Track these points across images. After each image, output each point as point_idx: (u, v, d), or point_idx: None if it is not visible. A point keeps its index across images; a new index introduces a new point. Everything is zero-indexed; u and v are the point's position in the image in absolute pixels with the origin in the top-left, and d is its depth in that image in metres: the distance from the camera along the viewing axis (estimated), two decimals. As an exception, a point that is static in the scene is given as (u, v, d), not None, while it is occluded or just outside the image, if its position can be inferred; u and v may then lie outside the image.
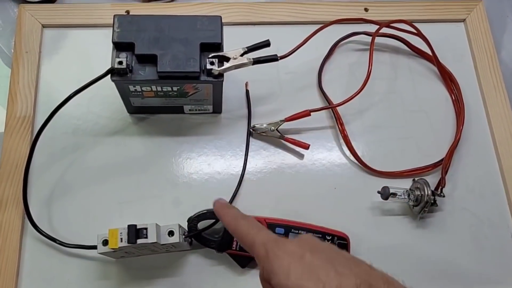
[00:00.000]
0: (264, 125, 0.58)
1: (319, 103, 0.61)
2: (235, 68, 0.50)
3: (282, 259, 0.35)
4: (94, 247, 0.46)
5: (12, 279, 0.50)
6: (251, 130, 0.58)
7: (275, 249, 0.36)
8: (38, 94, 0.58)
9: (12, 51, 0.61)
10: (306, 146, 0.57)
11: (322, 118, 0.60)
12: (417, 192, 0.54)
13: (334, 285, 0.32)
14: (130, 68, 0.47)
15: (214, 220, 0.51)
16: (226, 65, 0.49)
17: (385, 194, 0.54)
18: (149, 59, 0.48)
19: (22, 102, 0.57)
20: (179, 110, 0.57)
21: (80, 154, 0.56)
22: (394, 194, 0.54)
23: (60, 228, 0.53)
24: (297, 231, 0.51)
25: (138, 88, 0.50)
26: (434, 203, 0.53)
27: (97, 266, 0.51)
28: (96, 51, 0.60)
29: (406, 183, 0.56)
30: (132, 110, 0.57)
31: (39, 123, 0.52)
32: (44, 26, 0.61)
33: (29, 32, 0.60)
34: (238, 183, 0.55)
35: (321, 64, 0.62)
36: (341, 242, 0.51)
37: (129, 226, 0.45)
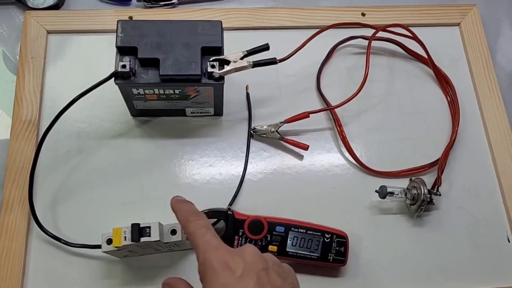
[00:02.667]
0: (264, 127, 0.59)
1: (318, 105, 0.62)
2: (235, 71, 0.51)
3: (216, 275, 0.36)
4: (99, 247, 0.47)
5: (18, 278, 0.51)
6: (251, 132, 0.59)
7: (212, 260, 0.37)
8: (43, 98, 0.59)
9: (17, 57, 0.62)
10: (305, 147, 0.58)
11: (321, 120, 0.61)
12: (414, 191, 0.55)
13: None
14: (133, 71, 0.49)
15: (215, 220, 0.52)
16: (227, 68, 0.50)
17: (383, 193, 0.55)
18: (151, 63, 0.49)
19: (27, 106, 0.58)
20: (181, 113, 0.58)
21: (84, 157, 0.57)
22: (392, 193, 0.55)
23: (65, 228, 0.54)
24: (296, 229, 0.52)
25: (141, 91, 0.51)
26: (431, 202, 0.54)
27: (102, 265, 0.52)
28: (100, 56, 0.62)
29: (403, 183, 0.57)
30: (135, 113, 0.58)
31: (44, 126, 0.53)
32: (49, 32, 0.63)
33: (34, 38, 0.62)
34: (239, 184, 0.57)
35: (319, 67, 0.64)
36: (340, 240, 0.52)
37: (132, 224, 0.45)
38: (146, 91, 0.52)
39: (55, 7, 0.65)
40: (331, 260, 0.52)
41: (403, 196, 0.55)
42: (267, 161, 0.59)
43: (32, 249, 0.53)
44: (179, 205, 0.44)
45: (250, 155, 0.58)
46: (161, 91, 0.52)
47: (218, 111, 0.59)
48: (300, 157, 0.59)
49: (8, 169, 0.55)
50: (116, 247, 0.45)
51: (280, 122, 0.59)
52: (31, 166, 0.52)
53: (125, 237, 0.45)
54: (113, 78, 0.49)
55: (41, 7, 0.65)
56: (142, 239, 0.45)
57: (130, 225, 0.45)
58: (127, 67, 0.48)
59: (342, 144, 0.60)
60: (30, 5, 0.65)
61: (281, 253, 0.51)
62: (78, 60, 0.62)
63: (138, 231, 0.45)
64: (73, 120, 0.58)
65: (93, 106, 0.59)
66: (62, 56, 0.62)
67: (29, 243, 0.53)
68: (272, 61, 0.53)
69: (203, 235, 0.39)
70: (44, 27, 0.63)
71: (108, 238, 0.46)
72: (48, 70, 0.61)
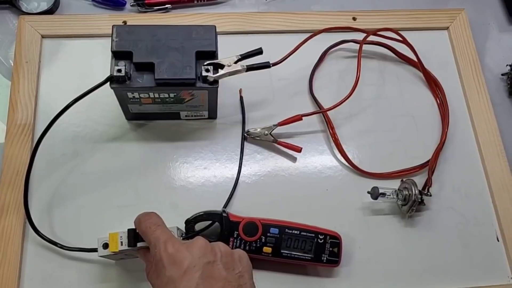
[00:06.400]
0: (258, 130, 0.60)
1: (310, 108, 0.63)
2: (229, 75, 0.52)
3: (164, 269, 0.38)
4: (95, 250, 0.47)
5: (14, 282, 0.51)
6: (245, 134, 0.60)
7: (162, 255, 0.39)
8: (38, 102, 0.60)
9: (10, 61, 0.62)
10: (298, 150, 0.59)
11: (314, 122, 0.62)
12: (405, 192, 0.56)
13: None
14: (129, 75, 0.49)
15: (210, 222, 0.53)
16: (221, 72, 0.51)
17: (375, 194, 0.56)
18: (146, 67, 0.49)
19: (22, 111, 0.58)
20: (175, 116, 0.59)
21: (79, 160, 0.57)
22: (383, 194, 0.56)
23: (61, 232, 0.54)
24: (290, 231, 0.52)
25: (136, 95, 0.52)
26: (422, 202, 0.55)
27: (97, 268, 0.53)
28: (94, 60, 0.62)
29: (394, 184, 0.58)
30: (130, 116, 0.59)
31: (39, 130, 0.53)
32: (43, 37, 0.63)
33: (29, 43, 0.62)
34: (234, 186, 0.57)
35: (312, 71, 0.65)
36: (334, 241, 0.53)
37: (129, 230, 0.45)
38: (141, 95, 0.52)
39: (49, 11, 0.65)
40: (324, 261, 0.53)
41: (395, 197, 0.56)
42: (261, 164, 0.59)
43: (28, 253, 0.53)
44: (136, 218, 0.45)
45: (244, 157, 0.59)
46: (156, 95, 0.52)
47: (212, 114, 0.60)
48: (293, 159, 0.60)
49: (3, 174, 0.55)
50: (112, 252, 0.46)
51: (274, 125, 0.59)
52: (26, 170, 0.52)
53: (121, 242, 0.45)
54: (108, 82, 0.49)
55: (35, 11, 0.66)
56: (139, 244, 0.45)
57: (127, 230, 0.46)
58: (123, 71, 0.48)
59: (335, 146, 0.61)
60: (24, 9, 0.66)
61: (276, 254, 0.52)
62: (72, 64, 0.62)
63: (134, 236, 0.45)
64: (68, 124, 0.58)
65: (88, 110, 0.59)
66: (56, 61, 0.62)
67: (25, 247, 0.53)
68: (266, 65, 0.54)
69: (153, 232, 0.41)
70: (38, 32, 0.63)
71: (104, 242, 0.46)
72: (42, 74, 0.61)
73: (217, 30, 0.52)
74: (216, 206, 0.55)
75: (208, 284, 0.37)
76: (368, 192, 0.56)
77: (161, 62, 0.49)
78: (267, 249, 0.52)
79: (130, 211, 0.54)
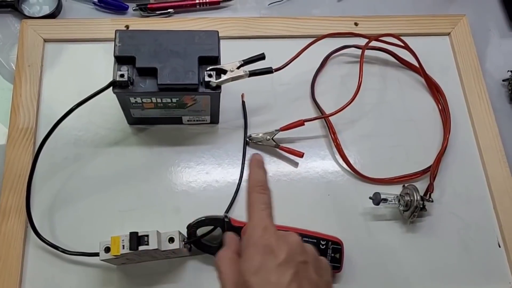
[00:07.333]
0: (260, 135, 0.60)
1: (312, 113, 0.63)
2: (232, 80, 0.52)
3: (257, 254, 0.36)
4: (96, 254, 0.47)
5: (15, 286, 0.51)
6: (247, 139, 0.60)
7: (258, 240, 0.37)
8: (40, 106, 0.60)
9: (12, 64, 0.63)
10: (300, 155, 0.59)
11: (316, 127, 0.62)
12: (407, 198, 0.56)
13: None
14: (131, 80, 0.49)
15: (212, 227, 0.53)
16: (223, 77, 0.51)
17: (377, 199, 0.56)
18: (149, 72, 0.49)
19: (24, 114, 0.58)
20: (177, 120, 0.59)
21: (81, 164, 0.57)
22: (385, 200, 0.56)
23: (62, 236, 0.54)
24: (292, 236, 0.52)
25: (138, 99, 0.52)
26: (423, 208, 0.56)
27: (99, 272, 0.52)
28: (96, 64, 0.62)
29: (396, 189, 0.58)
30: (132, 121, 0.59)
31: (41, 134, 0.53)
32: (46, 41, 0.63)
33: (31, 46, 0.62)
34: (236, 191, 0.57)
35: (313, 76, 0.65)
36: (335, 247, 0.53)
37: (130, 233, 0.46)
38: (144, 100, 0.52)
39: (51, 15, 0.66)
40: (326, 266, 0.52)
41: (397, 202, 0.56)
42: (262, 169, 0.59)
43: (29, 257, 0.53)
44: (255, 168, 0.43)
45: (246, 162, 0.59)
46: (159, 100, 0.52)
47: (215, 119, 0.60)
48: (295, 164, 0.60)
49: (5, 177, 0.55)
50: (114, 255, 0.46)
51: (276, 130, 0.59)
52: (28, 174, 0.52)
53: (123, 245, 0.45)
54: (111, 87, 0.49)
55: (37, 15, 0.66)
56: (140, 248, 0.45)
57: (128, 233, 0.46)
58: (125, 76, 0.48)
59: (336, 151, 0.61)
60: (26, 13, 0.66)
61: (277, 259, 0.52)
62: (74, 68, 0.62)
63: (136, 239, 0.45)
64: (70, 127, 0.58)
65: (90, 114, 0.59)
66: (58, 64, 0.63)
67: (26, 251, 0.53)
68: (268, 71, 0.54)
69: (259, 211, 0.40)
70: (40, 36, 0.63)
71: (106, 246, 0.46)
72: (44, 78, 0.61)
73: (220, 34, 0.52)
74: (218, 211, 0.55)
75: (299, 284, 0.35)
76: (370, 198, 0.56)
77: (164, 67, 0.49)
78: (268, 254, 0.52)
79: (131, 216, 0.55)
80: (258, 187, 0.42)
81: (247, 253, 0.37)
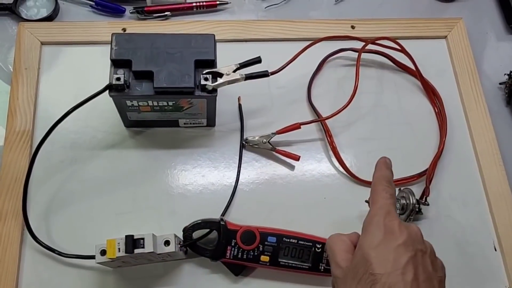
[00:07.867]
0: (256, 138, 0.60)
1: (308, 116, 0.63)
2: (228, 84, 0.52)
3: (379, 233, 0.39)
4: (92, 257, 0.47)
5: (12, 289, 0.51)
6: (243, 142, 0.60)
7: (382, 220, 0.40)
8: (37, 109, 0.60)
9: (10, 67, 0.63)
10: (296, 158, 0.59)
11: (312, 130, 0.62)
12: (403, 201, 0.56)
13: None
14: (128, 84, 0.49)
15: (208, 230, 0.53)
16: (220, 80, 0.51)
17: (373, 203, 0.56)
18: (145, 75, 0.50)
19: (21, 117, 0.59)
20: (174, 123, 0.59)
21: (78, 167, 0.58)
22: (381, 203, 0.56)
23: (59, 239, 0.54)
24: (288, 240, 0.52)
25: (135, 103, 0.52)
26: (419, 211, 0.56)
27: (95, 275, 0.53)
28: (93, 67, 0.62)
29: (392, 193, 0.59)
30: (129, 124, 0.59)
31: (38, 137, 0.53)
32: (43, 43, 0.63)
33: (28, 49, 0.62)
34: (232, 194, 0.57)
35: (310, 79, 0.65)
36: (331, 249, 0.53)
37: (126, 236, 0.46)
38: (140, 103, 0.52)
39: (48, 18, 0.66)
40: (322, 270, 0.53)
41: (392, 205, 0.56)
42: (259, 172, 0.59)
43: (26, 259, 0.53)
44: (383, 168, 0.46)
45: (242, 165, 0.59)
46: (155, 103, 0.53)
47: (211, 122, 0.60)
48: (292, 167, 0.60)
49: (2, 180, 0.55)
50: (110, 258, 0.46)
51: (272, 133, 0.59)
52: (25, 177, 0.53)
53: (119, 248, 0.46)
54: (107, 90, 0.49)
55: (34, 18, 0.66)
56: (136, 251, 0.46)
57: (124, 236, 0.46)
58: (122, 79, 0.49)
59: (333, 155, 0.61)
60: (23, 16, 0.66)
61: (273, 263, 0.52)
62: (71, 71, 0.63)
63: (132, 242, 0.46)
64: (66, 130, 0.58)
65: (87, 117, 0.59)
66: (55, 67, 0.63)
67: (23, 254, 0.53)
68: (264, 74, 0.54)
69: (385, 197, 0.42)
70: (38, 38, 0.63)
71: (102, 249, 0.46)
72: (42, 81, 0.62)
73: (216, 37, 0.52)
74: (214, 214, 0.55)
75: (415, 269, 0.37)
76: (366, 201, 0.56)
77: (160, 70, 0.49)
78: (264, 258, 0.52)
79: (128, 218, 0.55)
80: (385, 181, 0.44)
81: (369, 230, 0.40)
